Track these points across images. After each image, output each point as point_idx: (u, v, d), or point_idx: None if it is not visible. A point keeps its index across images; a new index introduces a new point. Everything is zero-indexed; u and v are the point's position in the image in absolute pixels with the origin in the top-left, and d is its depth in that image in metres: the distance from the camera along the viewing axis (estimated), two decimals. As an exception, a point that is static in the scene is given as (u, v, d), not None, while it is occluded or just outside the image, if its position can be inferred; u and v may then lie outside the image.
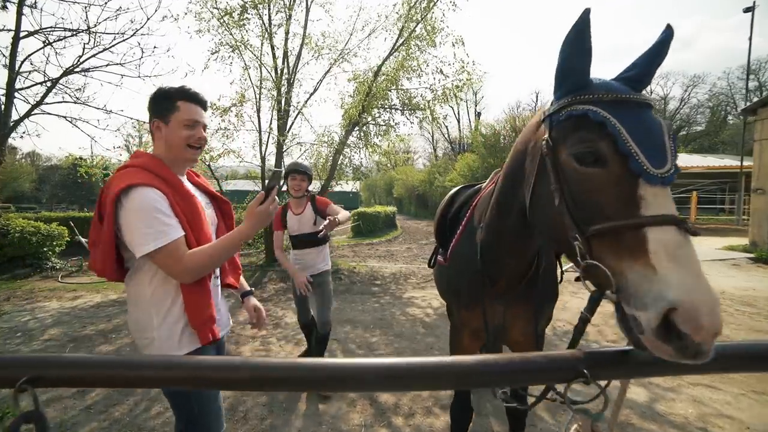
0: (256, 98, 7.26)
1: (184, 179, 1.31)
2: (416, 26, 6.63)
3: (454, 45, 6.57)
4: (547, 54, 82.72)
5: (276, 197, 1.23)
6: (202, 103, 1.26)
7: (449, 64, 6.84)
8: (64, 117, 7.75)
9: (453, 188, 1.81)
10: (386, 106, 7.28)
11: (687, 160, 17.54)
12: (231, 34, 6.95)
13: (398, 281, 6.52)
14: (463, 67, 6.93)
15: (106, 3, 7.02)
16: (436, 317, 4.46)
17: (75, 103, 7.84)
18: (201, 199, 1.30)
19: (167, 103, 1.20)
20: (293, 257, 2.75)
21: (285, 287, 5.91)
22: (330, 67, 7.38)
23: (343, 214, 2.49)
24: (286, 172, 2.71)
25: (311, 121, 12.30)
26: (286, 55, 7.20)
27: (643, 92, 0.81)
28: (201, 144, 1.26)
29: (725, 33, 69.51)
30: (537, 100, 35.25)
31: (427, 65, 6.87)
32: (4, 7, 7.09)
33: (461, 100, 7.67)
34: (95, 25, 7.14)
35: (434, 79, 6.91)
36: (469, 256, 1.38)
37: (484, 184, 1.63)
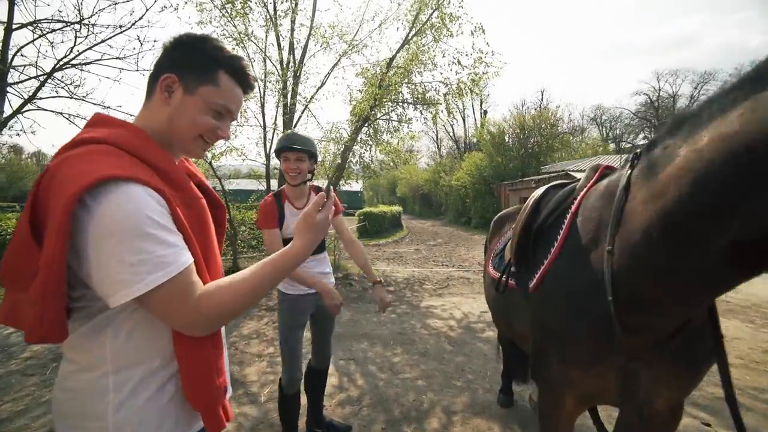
0: (260, 93, 6.85)
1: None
2: (432, 13, 6.20)
3: (473, 33, 6.14)
4: (550, 53, 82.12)
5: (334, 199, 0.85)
6: (248, 89, 0.83)
7: (467, 55, 6.40)
8: (60, 113, 7.38)
9: (539, 189, 1.36)
10: (398, 101, 6.85)
11: None
12: (234, 25, 6.55)
13: (413, 287, 6.10)
14: (480, 58, 6.49)
15: None
16: (461, 331, 4.04)
17: (71, 98, 7.46)
18: None
19: (206, 64, 0.76)
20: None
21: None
22: (338, 60, 6.96)
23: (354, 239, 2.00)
24: (276, 149, 1.90)
25: (318, 118, 11.91)
26: (292, 47, 6.80)
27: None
28: (217, 141, 0.83)
29: (730, 30, 68.76)
30: (542, 99, 34.76)
31: (444, 56, 6.44)
32: None
33: (476, 94, 7.23)
34: (90, 16, 6.77)
35: (451, 70, 6.49)
36: (579, 287, 0.95)
37: (580, 182, 1.20)
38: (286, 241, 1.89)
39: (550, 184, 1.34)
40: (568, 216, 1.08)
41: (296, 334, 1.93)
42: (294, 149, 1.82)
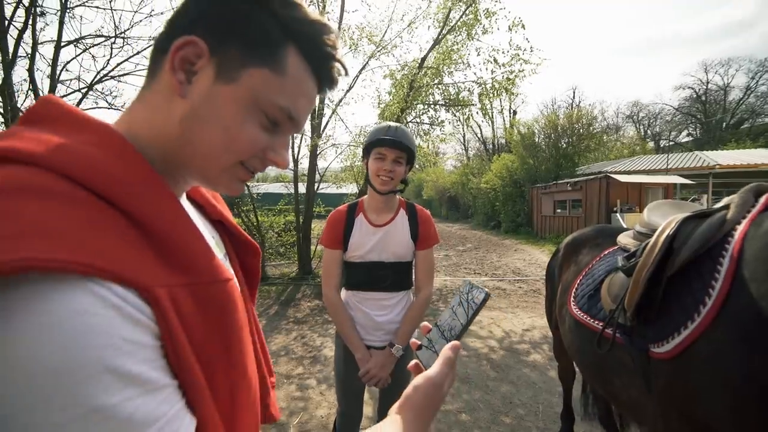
0: (288, 98, 6.80)
1: (183, 202, 0.50)
2: (466, 10, 5.87)
3: (510, 29, 5.76)
4: (584, 48, 78.77)
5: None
6: (327, 85, 0.48)
7: (503, 52, 6.02)
8: (99, 123, 7.67)
9: (667, 219, 1.02)
10: (430, 102, 6.56)
11: (753, 157, 14.82)
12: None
13: (446, 299, 5.77)
14: (518, 55, 6.09)
15: (138, 9, 6.88)
16: (504, 353, 3.68)
17: (110, 108, 7.79)
18: (205, 234, 0.47)
19: (266, 30, 0.41)
20: (352, 306, 1.49)
21: (322, 305, 5.32)
22: (366, 61, 6.77)
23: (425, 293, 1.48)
24: (367, 144, 1.42)
25: (346, 122, 11.78)
26: (319, 51, 6.68)
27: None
28: (265, 169, 0.49)
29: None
30: (574, 97, 33.25)
31: (478, 54, 6.09)
32: (46, 24, 6.98)
33: (512, 94, 6.82)
34: (127, 29, 6.99)
35: (486, 69, 6.13)
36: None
37: (732, 210, 0.87)
38: (350, 265, 1.48)
39: (684, 216, 0.99)
40: (727, 261, 0.76)
41: (356, 377, 1.47)
42: (395, 144, 1.35)
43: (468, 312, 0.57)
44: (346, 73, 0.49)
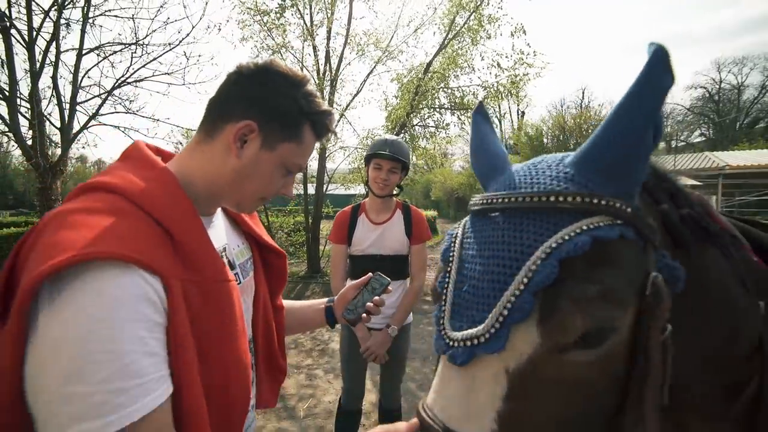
0: (297, 102, 7.03)
1: (217, 218, 0.71)
2: (470, 16, 6.04)
3: (513, 35, 5.91)
4: (593, 47, 78.09)
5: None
6: (325, 137, 0.73)
7: (506, 57, 6.18)
8: (117, 127, 8.04)
9: None
10: (435, 106, 6.75)
11: (765, 157, 14.27)
12: (272, 37, 6.79)
13: (450, 297, 5.92)
14: (521, 59, 6.23)
15: (155, 17, 7.21)
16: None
17: (126, 113, 8.14)
18: (232, 243, 0.71)
19: (295, 115, 0.64)
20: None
21: (328, 302, 5.51)
22: (374, 67, 6.99)
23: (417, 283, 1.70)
24: (367, 156, 1.69)
25: (354, 125, 12.07)
26: (328, 56, 6.91)
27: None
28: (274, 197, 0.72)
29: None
30: (583, 97, 32.98)
31: (482, 59, 6.26)
32: (68, 32, 7.33)
33: (516, 97, 6.97)
34: (145, 37, 7.33)
35: (490, 73, 6.29)
36: None
37: None
38: (353, 258, 1.71)
39: None
40: None
41: (358, 356, 1.69)
42: (390, 157, 1.59)
43: (375, 293, 0.88)
44: (336, 136, 0.80)
